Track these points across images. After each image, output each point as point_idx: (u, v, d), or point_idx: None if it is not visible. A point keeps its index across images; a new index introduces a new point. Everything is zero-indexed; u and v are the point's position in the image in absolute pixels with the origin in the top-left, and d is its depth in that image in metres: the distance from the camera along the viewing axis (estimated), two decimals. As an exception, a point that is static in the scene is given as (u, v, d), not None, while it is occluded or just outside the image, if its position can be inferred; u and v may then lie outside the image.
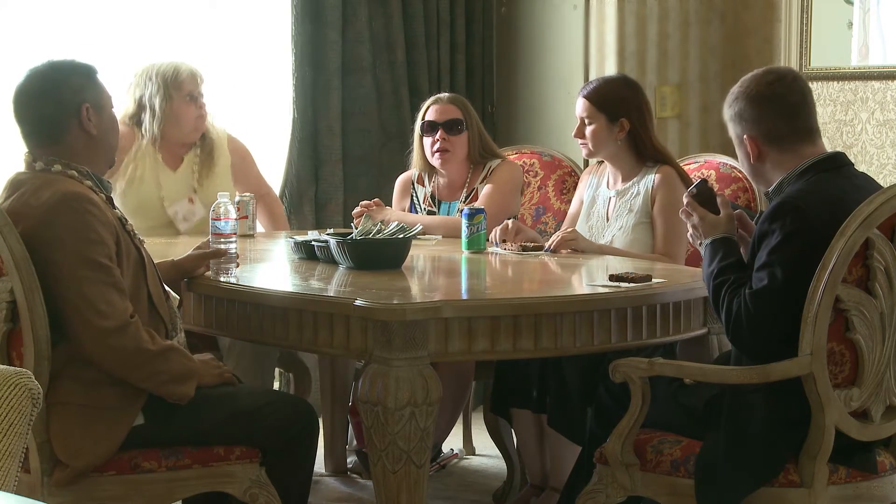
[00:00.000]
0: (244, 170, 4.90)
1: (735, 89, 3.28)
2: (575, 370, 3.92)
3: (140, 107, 4.72)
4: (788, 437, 3.10)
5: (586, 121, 4.30)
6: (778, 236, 3.07)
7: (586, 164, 5.50)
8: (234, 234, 3.67)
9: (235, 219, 3.69)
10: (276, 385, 4.77)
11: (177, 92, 4.69)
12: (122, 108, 4.72)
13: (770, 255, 3.08)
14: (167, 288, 3.46)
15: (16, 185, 3.27)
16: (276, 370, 4.66)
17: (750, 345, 3.12)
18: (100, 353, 3.16)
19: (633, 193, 4.30)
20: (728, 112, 3.28)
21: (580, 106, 4.32)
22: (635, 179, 4.31)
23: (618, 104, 4.25)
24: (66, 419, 3.17)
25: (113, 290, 3.17)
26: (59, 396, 3.17)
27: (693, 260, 4.29)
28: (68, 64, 3.35)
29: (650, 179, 4.28)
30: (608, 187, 4.40)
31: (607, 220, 4.36)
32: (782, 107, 3.22)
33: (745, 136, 3.25)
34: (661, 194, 4.24)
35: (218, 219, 3.64)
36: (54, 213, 3.15)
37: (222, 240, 3.64)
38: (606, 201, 4.38)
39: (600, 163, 4.47)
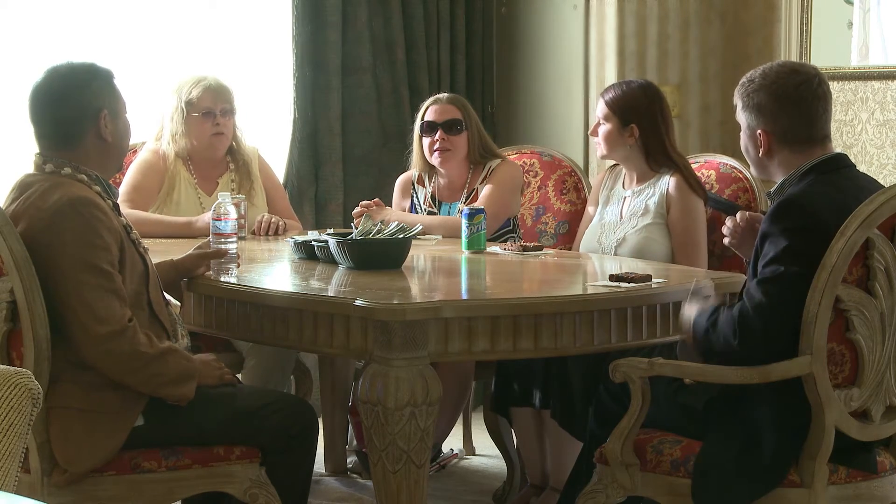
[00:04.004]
0: (276, 199, 4.88)
1: (756, 79, 3.26)
2: (578, 370, 3.92)
3: (163, 124, 4.72)
4: (791, 442, 3.10)
5: (601, 121, 4.35)
6: (782, 234, 3.06)
7: (586, 164, 5.52)
8: (235, 234, 3.67)
9: (236, 219, 3.69)
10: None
11: (191, 107, 4.64)
12: (154, 128, 4.74)
13: (777, 250, 3.06)
14: (167, 295, 3.46)
15: (24, 186, 3.26)
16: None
17: (761, 335, 3.06)
18: (98, 357, 3.16)
19: (648, 194, 4.33)
20: (744, 99, 3.27)
21: (598, 106, 4.40)
22: (651, 181, 4.34)
23: (630, 110, 4.30)
24: (65, 423, 3.17)
25: (113, 297, 3.16)
26: (58, 400, 3.16)
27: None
28: (89, 67, 3.33)
29: (665, 181, 4.30)
30: (624, 187, 4.42)
31: (621, 218, 4.37)
32: (804, 111, 3.22)
33: (759, 130, 3.24)
34: (675, 205, 4.27)
35: (218, 219, 3.64)
36: (60, 216, 3.15)
37: (222, 240, 3.64)
38: (621, 200, 4.40)
39: (615, 165, 4.50)
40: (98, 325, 3.13)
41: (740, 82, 3.30)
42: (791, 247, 3.05)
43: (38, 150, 3.32)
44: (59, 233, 3.14)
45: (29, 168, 3.33)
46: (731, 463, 3.10)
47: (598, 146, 4.39)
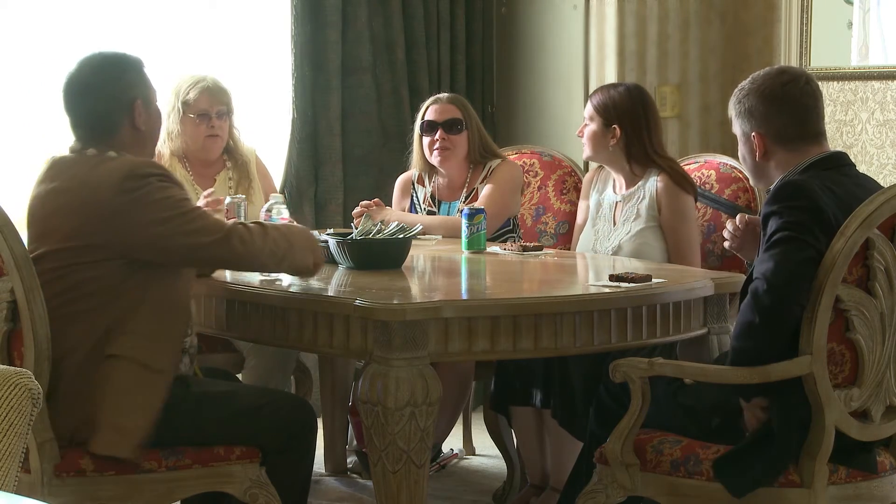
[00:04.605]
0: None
1: (746, 85, 3.29)
2: (580, 369, 3.92)
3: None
4: (791, 440, 3.10)
5: (587, 122, 4.36)
6: (784, 210, 3.05)
7: (586, 164, 5.52)
8: None
9: (289, 222, 3.67)
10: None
11: (187, 108, 4.61)
12: None
13: (779, 222, 3.05)
14: None
15: (64, 165, 3.27)
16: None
17: (770, 300, 3.01)
18: (227, 259, 3.26)
19: (638, 198, 4.33)
20: (737, 108, 3.29)
21: (586, 106, 4.42)
22: (640, 184, 4.34)
23: (613, 111, 4.32)
24: (117, 375, 3.16)
25: (206, 214, 3.27)
26: (113, 349, 3.18)
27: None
28: (121, 58, 3.36)
29: (653, 182, 4.31)
30: (614, 192, 4.42)
31: (614, 224, 4.37)
32: (794, 108, 3.23)
33: (752, 133, 3.25)
34: (665, 205, 4.27)
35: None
36: (131, 179, 3.16)
37: None
38: (613, 206, 4.40)
39: (601, 168, 4.51)
40: (208, 236, 3.19)
41: (733, 94, 3.32)
42: (794, 219, 3.04)
43: (74, 140, 3.32)
44: (134, 191, 3.15)
45: (37, 165, 3.34)
46: (748, 445, 3.10)
47: (584, 147, 4.41)
